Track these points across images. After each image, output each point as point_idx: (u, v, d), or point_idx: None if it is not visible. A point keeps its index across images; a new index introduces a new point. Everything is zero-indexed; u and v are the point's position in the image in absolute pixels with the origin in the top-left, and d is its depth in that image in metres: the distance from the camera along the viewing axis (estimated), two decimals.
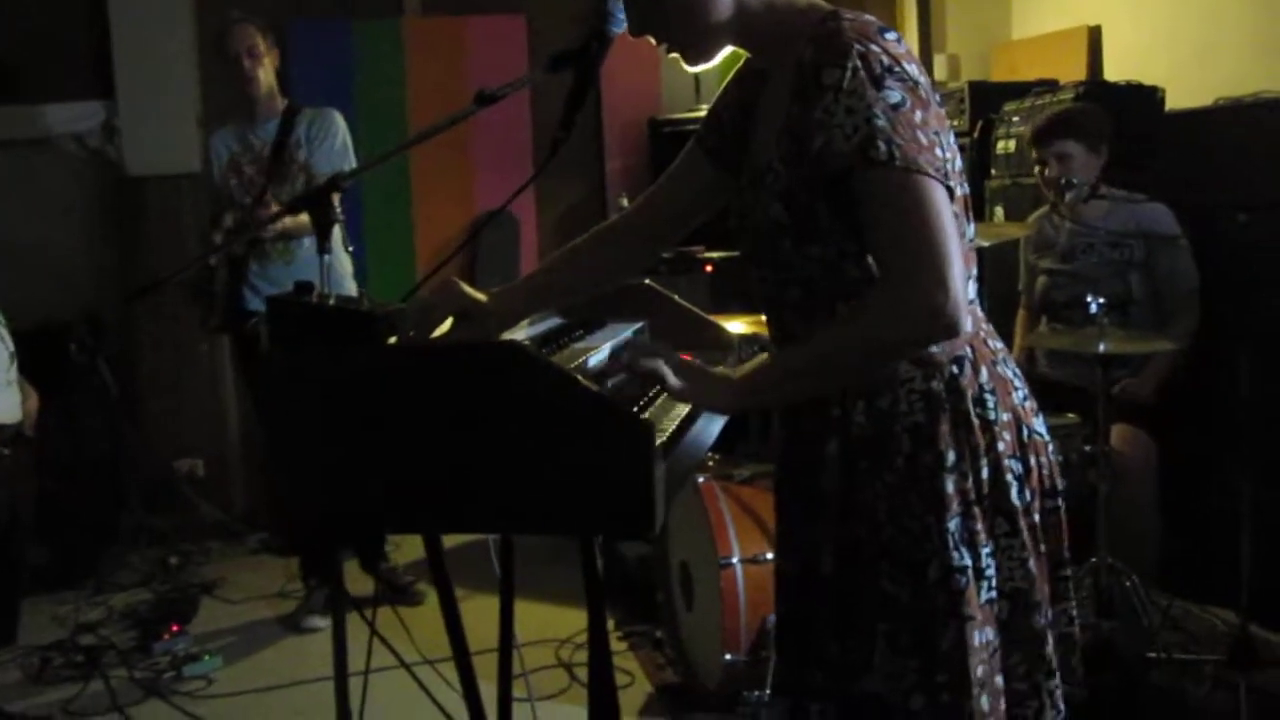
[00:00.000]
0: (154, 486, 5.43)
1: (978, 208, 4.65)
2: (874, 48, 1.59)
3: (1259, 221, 3.29)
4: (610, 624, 3.93)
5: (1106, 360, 3.37)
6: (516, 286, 2.07)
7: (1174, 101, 4.41)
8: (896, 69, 1.59)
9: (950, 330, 1.55)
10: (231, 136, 4.49)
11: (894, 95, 1.58)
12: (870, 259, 1.65)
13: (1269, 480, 3.37)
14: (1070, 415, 3.62)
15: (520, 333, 2.15)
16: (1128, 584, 3.39)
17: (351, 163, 4.41)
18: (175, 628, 4.19)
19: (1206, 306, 3.85)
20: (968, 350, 1.71)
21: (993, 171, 4.78)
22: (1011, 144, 4.64)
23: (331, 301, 1.91)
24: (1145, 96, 4.41)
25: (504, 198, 2.24)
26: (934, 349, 1.67)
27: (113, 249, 5.59)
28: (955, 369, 1.69)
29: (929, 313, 1.53)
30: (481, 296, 1.97)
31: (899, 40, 1.65)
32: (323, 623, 4.33)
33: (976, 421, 1.69)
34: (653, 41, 1.79)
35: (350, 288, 4.26)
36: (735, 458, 3.95)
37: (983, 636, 1.67)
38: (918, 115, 1.59)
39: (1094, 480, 3.38)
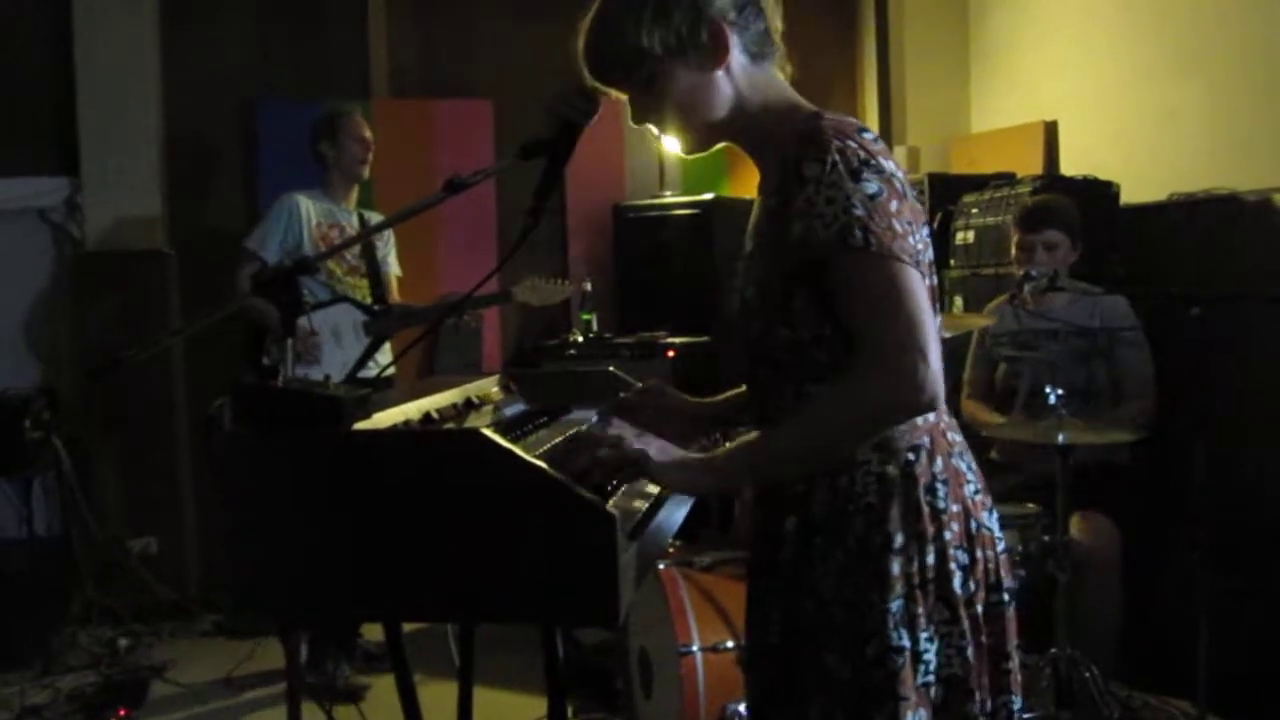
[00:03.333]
0: (107, 565, 5.33)
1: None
2: (852, 144, 1.69)
3: (1212, 314, 3.34)
4: (568, 711, 3.87)
5: (1066, 451, 3.39)
6: (717, 401, 2.19)
7: (1128, 196, 4.48)
8: (873, 163, 1.69)
9: (933, 403, 1.64)
10: (313, 206, 4.59)
11: (870, 186, 1.66)
12: (838, 347, 1.71)
13: (1225, 570, 3.39)
14: (1030, 505, 3.63)
15: (485, 419, 2.15)
16: (1087, 674, 3.39)
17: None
18: (123, 712, 4.10)
19: (1162, 397, 3.89)
20: (925, 440, 1.76)
21: (952, 262, 4.83)
22: (971, 235, 4.70)
23: (296, 385, 1.91)
24: (1101, 190, 4.47)
25: (469, 280, 2.25)
26: (893, 434, 1.72)
27: (72, 325, 5.54)
28: (911, 456, 1.74)
29: (914, 382, 1.61)
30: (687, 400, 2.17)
31: (876, 139, 1.75)
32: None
33: (926, 509, 1.73)
34: (653, 130, 1.88)
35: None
36: (696, 545, 3.94)
37: (915, 718, 1.71)
38: (893, 205, 1.68)
39: (1052, 570, 3.39)
